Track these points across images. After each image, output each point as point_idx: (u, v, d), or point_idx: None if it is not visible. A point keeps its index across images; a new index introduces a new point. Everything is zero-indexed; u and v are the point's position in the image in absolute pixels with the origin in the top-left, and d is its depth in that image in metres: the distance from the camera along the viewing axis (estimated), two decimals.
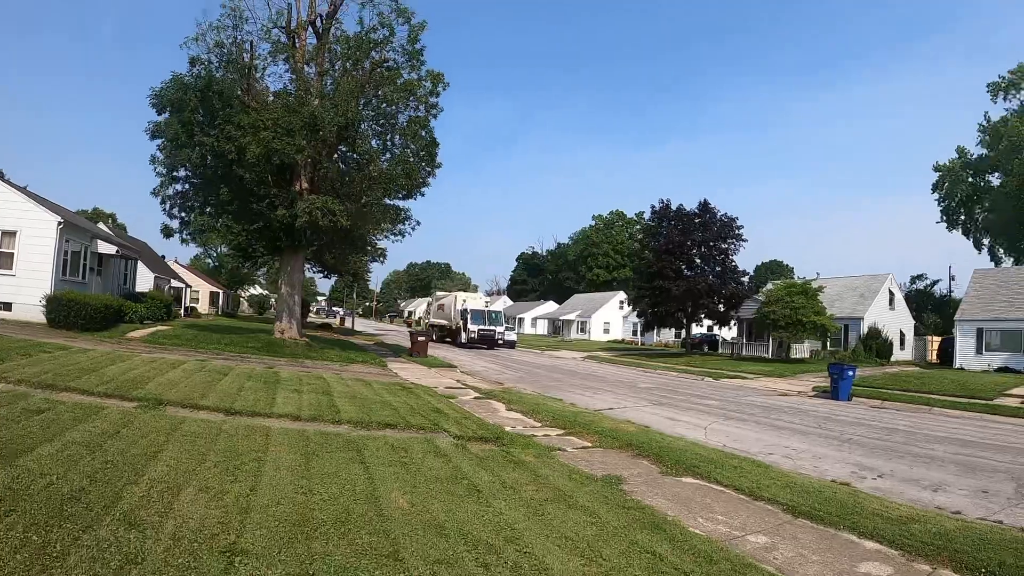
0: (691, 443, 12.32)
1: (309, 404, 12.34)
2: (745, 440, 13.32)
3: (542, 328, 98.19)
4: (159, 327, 27.45)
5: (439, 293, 63.36)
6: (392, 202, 29.14)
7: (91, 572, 4.08)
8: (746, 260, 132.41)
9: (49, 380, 11.34)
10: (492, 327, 47.26)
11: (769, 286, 46.64)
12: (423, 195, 28.45)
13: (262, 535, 5.07)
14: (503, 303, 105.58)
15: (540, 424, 13.51)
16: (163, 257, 57.79)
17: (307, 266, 42.32)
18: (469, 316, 46.52)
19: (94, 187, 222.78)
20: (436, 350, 37.09)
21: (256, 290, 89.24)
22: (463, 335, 46.20)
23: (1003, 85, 58.77)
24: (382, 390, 16.31)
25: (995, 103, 60.41)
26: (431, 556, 5.04)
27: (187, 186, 26.33)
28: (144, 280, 41.70)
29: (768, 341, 42.45)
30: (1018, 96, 58.41)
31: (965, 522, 7.73)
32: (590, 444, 11.52)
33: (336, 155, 27.46)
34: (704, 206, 45.22)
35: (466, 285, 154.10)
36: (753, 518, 7.42)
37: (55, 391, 10.60)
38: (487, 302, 54.01)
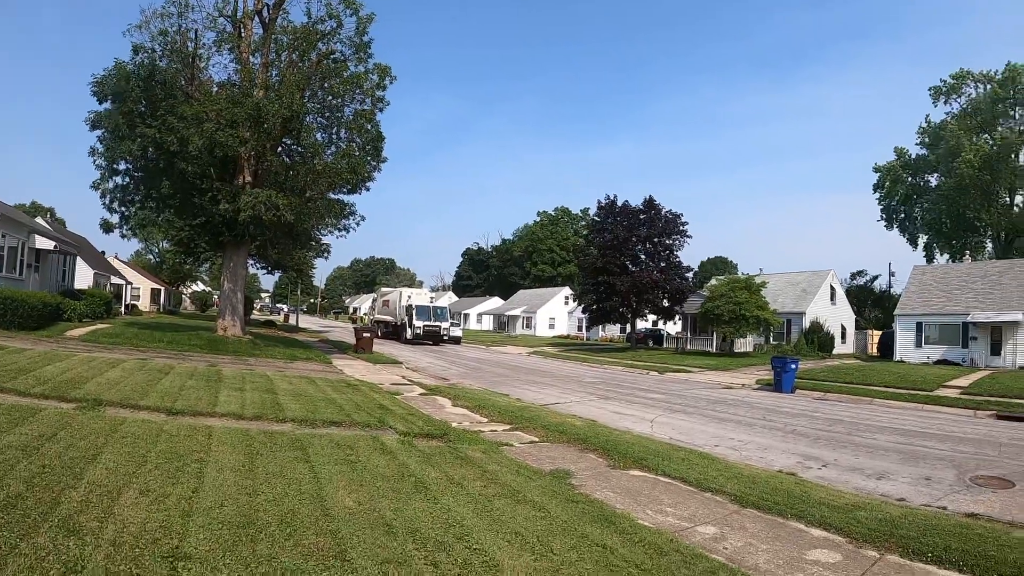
0: (638, 436, 12.46)
1: (252, 402, 12.10)
2: (692, 433, 13.52)
3: (488, 324, 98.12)
4: (99, 325, 26.66)
5: (384, 289, 62.46)
6: (337, 196, 28.85)
7: None
8: (691, 256, 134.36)
9: None
10: (437, 323, 47.06)
11: (713, 282, 47.58)
12: (368, 190, 28.36)
13: (205, 538, 4.93)
14: (448, 299, 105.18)
15: (487, 420, 13.49)
16: (103, 253, 56.09)
17: (251, 262, 41.52)
18: (414, 312, 46.15)
19: (32, 180, 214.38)
20: (381, 346, 36.80)
21: (199, 286, 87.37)
22: (408, 331, 45.88)
23: (944, 89, 60.77)
24: (327, 387, 16.11)
25: (936, 106, 62.53)
26: (379, 555, 4.97)
27: (127, 179, 25.59)
28: (84, 277, 40.42)
29: (712, 335, 43.16)
30: (959, 100, 60.51)
31: (910, 508, 7.98)
32: (537, 439, 11.55)
33: (280, 148, 27.03)
34: (649, 202, 45.67)
35: (411, 281, 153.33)
36: (702, 509, 7.52)
37: None
38: (432, 298, 53.79)
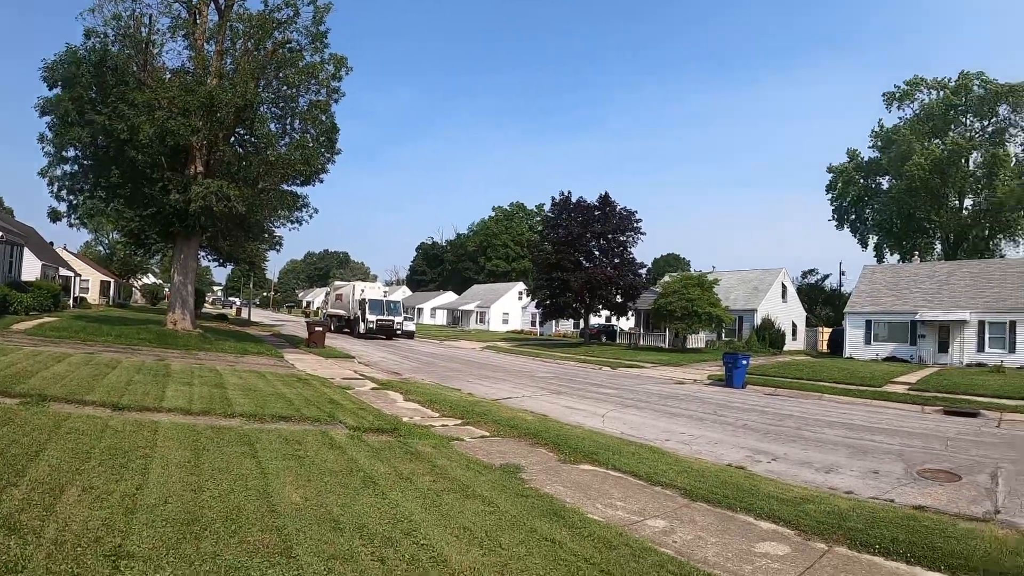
0: (589, 431, 12.59)
1: (200, 397, 11.95)
2: (643, 427, 13.71)
3: (441, 318, 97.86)
4: (46, 318, 26.08)
5: (337, 283, 62.42)
6: (290, 188, 28.53)
7: None
8: (644, 253, 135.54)
9: None
10: (391, 317, 47.00)
11: (666, 278, 48.07)
12: (322, 181, 28.04)
13: (149, 536, 4.88)
14: (402, 293, 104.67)
15: (438, 414, 13.52)
16: (51, 244, 54.38)
17: (202, 254, 40.81)
18: (367, 306, 46.19)
19: None
20: (334, 340, 36.67)
21: (149, 279, 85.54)
22: (361, 325, 45.80)
23: (897, 95, 62.52)
24: (277, 382, 15.98)
25: (889, 111, 64.29)
26: (325, 552, 4.96)
27: (76, 167, 24.90)
28: (31, 268, 39.34)
29: (665, 331, 43.64)
30: (911, 106, 62.12)
31: (858, 501, 8.17)
32: (488, 433, 11.62)
33: (233, 138, 26.57)
34: (604, 199, 45.96)
35: (365, 275, 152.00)
36: (651, 503, 7.64)
37: None
38: (385, 292, 53.99)
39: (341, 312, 51.55)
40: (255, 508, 5.81)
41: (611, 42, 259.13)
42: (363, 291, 48.30)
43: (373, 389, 17.06)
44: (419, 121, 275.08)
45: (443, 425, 12.21)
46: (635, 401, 18.32)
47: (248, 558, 4.66)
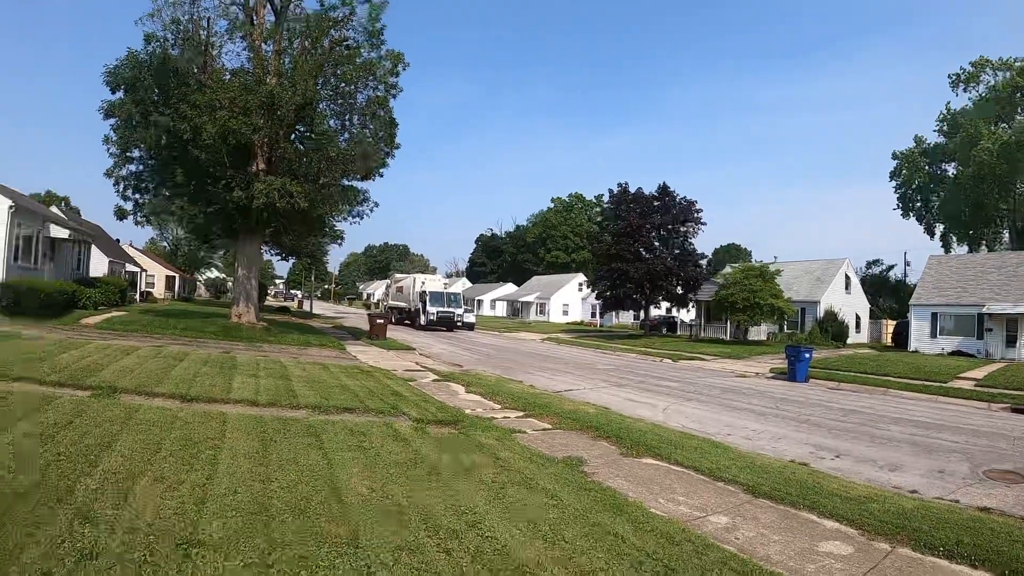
0: (651, 424, 12.42)
1: (266, 389, 12.17)
2: (704, 421, 13.49)
3: (501, 310, 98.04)
4: (114, 313, 26.89)
5: (397, 275, 61.64)
6: (350, 183, 28.82)
7: (43, 570, 3.97)
8: (704, 243, 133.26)
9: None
10: (451, 309, 46.83)
11: (727, 269, 47.30)
12: (382, 176, 28.29)
13: (219, 525, 4.97)
14: (462, 285, 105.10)
15: (500, 406, 13.50)
16: (118, 241, 56.34)
17: (264, 248, 41.67)
18: (428, 298, 45.98)
19: (47, 169, 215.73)
20: (395, 332, 36.98)
21: (213, 273, 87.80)
22: (422, 317, 45.71)
23: (964, 77, 59.99)
24: (340, 374, 16.17)
25: (956, 94, 61.86)
26: (392, 542, 5.00)
27: (141, 167, 25.69)
28: (98, 265, 40.67)
29: (726, 323, 42.99)
30: (977, 88, 59.69)
31: (922, 501, 7.88)
32: (550, 426, 11.55)
33: (293, 135, 26.99)
34: (663, 189, 45.36)
35: (424, 267, 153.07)
36: (714, 499, 7.49)
37: (6, 381, 10.27)
38: (446, 284, 53.80)
39: (402, 304, 51.50)
40: (322, 499, 5.88)
41: (661, 36, 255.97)
42: (424, 283, 48.15)
43: (435, 381, 17.15)
44: (471, 113, 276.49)
45: (505, 417, 12.21)
46: (696, 394, 18.06)
47: (316, 548, 4.72)
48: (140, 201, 26.32)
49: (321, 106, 25.72)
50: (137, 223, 28.21)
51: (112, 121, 24.13)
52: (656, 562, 5.24)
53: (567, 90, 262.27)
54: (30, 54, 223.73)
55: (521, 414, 12.65)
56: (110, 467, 6.15)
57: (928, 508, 7.47)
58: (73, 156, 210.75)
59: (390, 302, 56.14)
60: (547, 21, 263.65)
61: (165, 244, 78.60)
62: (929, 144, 64.18)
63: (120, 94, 23.60)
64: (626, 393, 17.44)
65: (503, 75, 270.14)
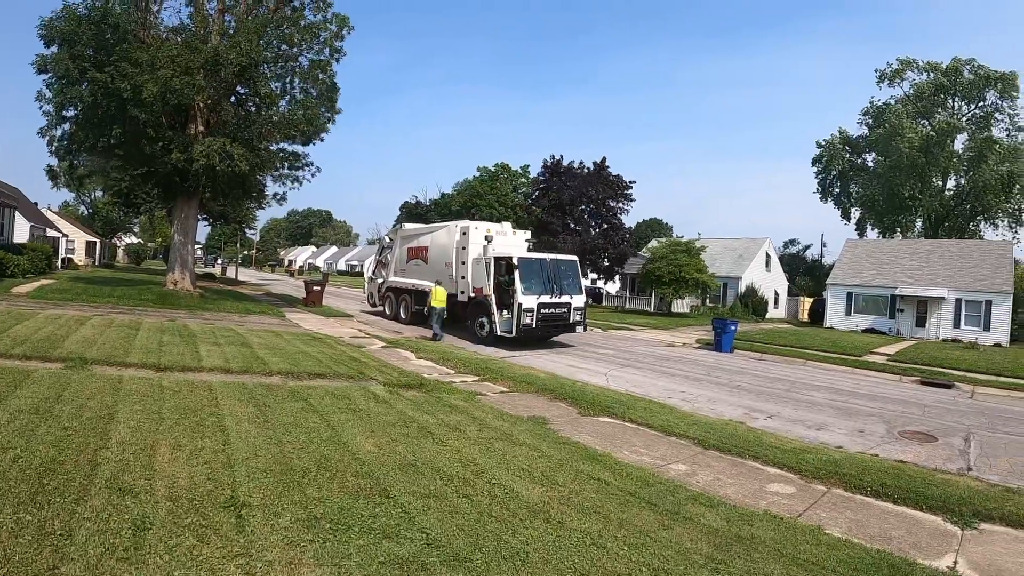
0: (599, 387, 13.41)
1: (234, 357, 12.42)
2: (645, 385, 14.55)
3: None
4: (44, 281, 26.18)
5: (411, 226, 29.28)
6: (291, 147, 28.42)
7: (104, 545, 4.01)
8: (627, 218, 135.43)
9: None
10: (562, 299, 21.25)
11: (653, 243, 48.77)
12: (322, 140, 27.75)
13: (256, 487, 5.30)
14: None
15: (453, 371, 14.19)
16: (36, 204, 53.55)
17: None
18: (519, 274, 20.01)
19: None
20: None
21: (131, 239, 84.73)
22: (501, 316, 20.60)
23: (890, 73, 62.69)
24: (296, 341, 16.43)
25: (880, 88, 64.75)
26: (418, 491, 5.64)
27: (74, 127, 24.66)
28: (21, 230, 38.32)
29: (651, 296, 44.38)
30: (901, 85, 62.60)
31: (848, 454, 9.16)
32: (507, 389, 12.38)
33: (234, 97, 26.46)
34: (600, 165, 46.34)
35: (347, 234, 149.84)
36: (670, 450, 8.54)
37: None
38: (529, 242, 27.02)
39: (424, 284, 24.48)
40: (340, 457, 6.42)
41: (595, 11, 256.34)
42: (490, 239, 21.92)
43: (384, 347, 17.58)
44: (398, 77, 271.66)
45: (462, 381, 12.91)
46: (632, 361, 19.10)
47: (353, 500, 5.27)
48: (75, 163, 25.37)
49: (264, 68, 25.23)
50: (67, 185, 27.21)
51: (45, 76, 23.08)
52: (639, 499, 6.19)
53: (496, 62, 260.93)
54: None
55: (476, 378, 13.40)
56: (122, 438, 6.27)
57: (854, 459, 8.71)
58: None
59: (391, 279, 28.44)
60: None
61: (82, 208, 75.35)
62: (852, 135, 67.05)
63: (55, 48, 22.64)
64: (567, 359, 18.35)
65: (432, 42, 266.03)
